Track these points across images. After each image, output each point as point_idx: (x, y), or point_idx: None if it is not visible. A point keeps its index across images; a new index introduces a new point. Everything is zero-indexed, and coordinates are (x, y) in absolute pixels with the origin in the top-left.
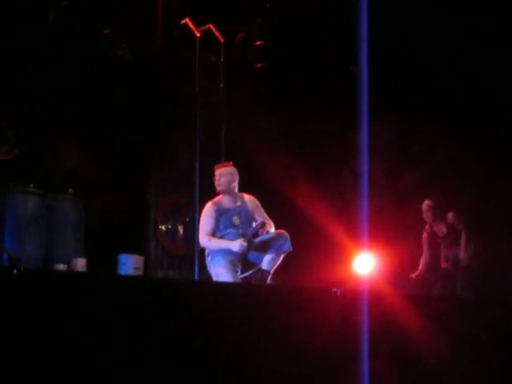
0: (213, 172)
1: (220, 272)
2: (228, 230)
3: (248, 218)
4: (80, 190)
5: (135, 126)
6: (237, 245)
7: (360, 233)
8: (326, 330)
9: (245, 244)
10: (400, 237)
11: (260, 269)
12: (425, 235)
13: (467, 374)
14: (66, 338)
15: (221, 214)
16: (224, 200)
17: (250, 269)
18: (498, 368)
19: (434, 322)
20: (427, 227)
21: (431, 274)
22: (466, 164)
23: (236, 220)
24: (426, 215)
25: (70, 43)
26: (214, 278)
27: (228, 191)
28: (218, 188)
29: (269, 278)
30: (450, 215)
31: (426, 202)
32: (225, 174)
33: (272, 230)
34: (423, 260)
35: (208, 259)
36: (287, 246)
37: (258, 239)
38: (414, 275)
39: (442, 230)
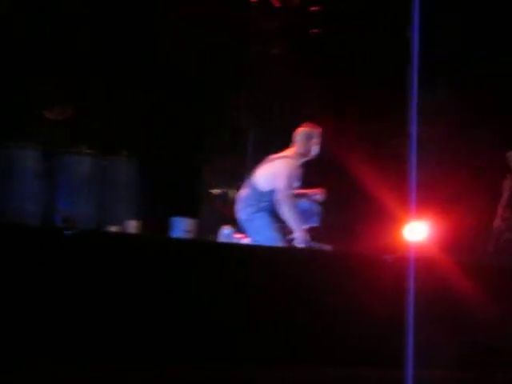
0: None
1: (271, 236)
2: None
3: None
4: (133, 152)
5: (188, 89)
6: (301, 238)
7: (410, 200)
8: (377, 297)
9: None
10: (453, 203)
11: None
12: (506, 182)
13: None
14: (117, 300)
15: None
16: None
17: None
18: None
19: (487, 291)
20: (510, 175)
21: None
22: None
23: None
24: None
25: (131, 2)
26: (262, 241)
27: None
28: (316, 151)
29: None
30: None
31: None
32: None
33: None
34: (500, 210)
35: (256, 217)
36: (316, 221)
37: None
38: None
39: None
